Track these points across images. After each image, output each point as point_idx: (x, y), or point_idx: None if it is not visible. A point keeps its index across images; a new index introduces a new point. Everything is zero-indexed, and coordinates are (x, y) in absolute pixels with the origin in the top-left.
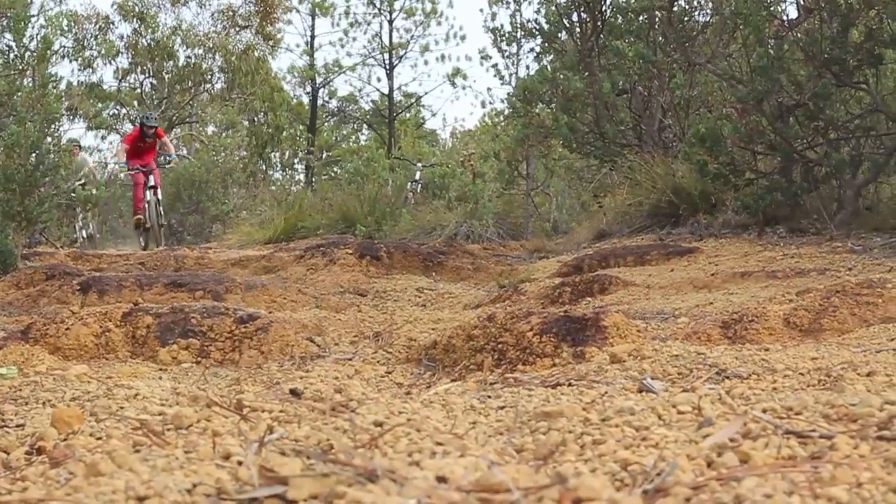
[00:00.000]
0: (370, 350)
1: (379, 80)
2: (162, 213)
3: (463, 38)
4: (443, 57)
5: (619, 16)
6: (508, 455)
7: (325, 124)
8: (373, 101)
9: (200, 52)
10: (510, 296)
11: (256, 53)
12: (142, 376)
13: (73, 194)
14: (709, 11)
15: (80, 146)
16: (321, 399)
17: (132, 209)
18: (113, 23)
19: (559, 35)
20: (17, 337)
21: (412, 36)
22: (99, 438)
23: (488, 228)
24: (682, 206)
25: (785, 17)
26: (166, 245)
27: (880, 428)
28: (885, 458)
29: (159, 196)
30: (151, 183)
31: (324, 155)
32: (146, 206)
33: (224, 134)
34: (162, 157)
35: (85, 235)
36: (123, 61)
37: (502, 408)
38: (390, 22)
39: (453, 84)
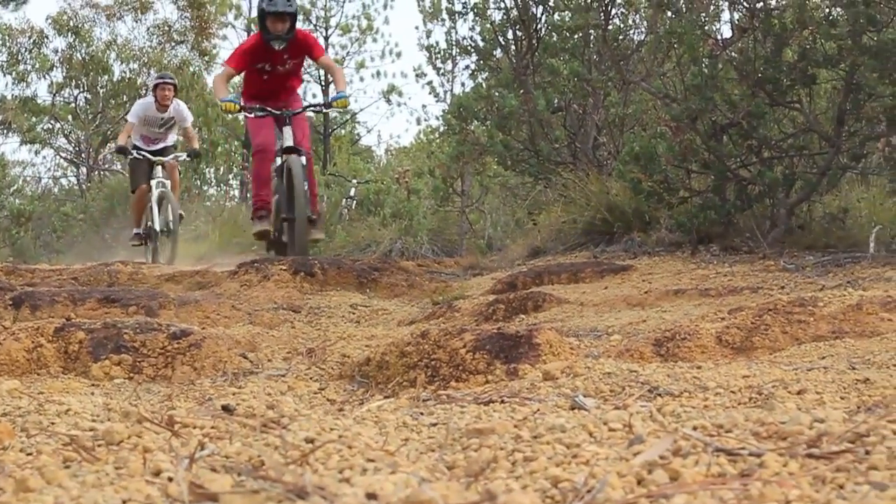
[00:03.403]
0: (303, 366)
1: (314, 95)
2: (306, 195)
3: (399, 55)
4: (378, 73)
5: (554, 34)
6: (440, 472)
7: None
8: (308, 117)
9: (135, 66)
10: (444, 313)
11: (192, 69)
12: (74, 392)
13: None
14: (643, 30)
15: (175, 87)
16: (253, 415)
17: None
18: (47, 37)
19: (494, 53)
20: None
21: (348, 52)
22: (29, 454)
23: (423, 245)
24: (616, 223)
25: (719, 37)
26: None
27: (809, 445)
28: (813, 476)
29: (302, 168)
30: (289, 141)
31: None
32: (275, 193)
33: None
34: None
35: (160, 227)
36: (58, 75)
37: (434, 424)
38: (326, 38)
39: (388, 101)
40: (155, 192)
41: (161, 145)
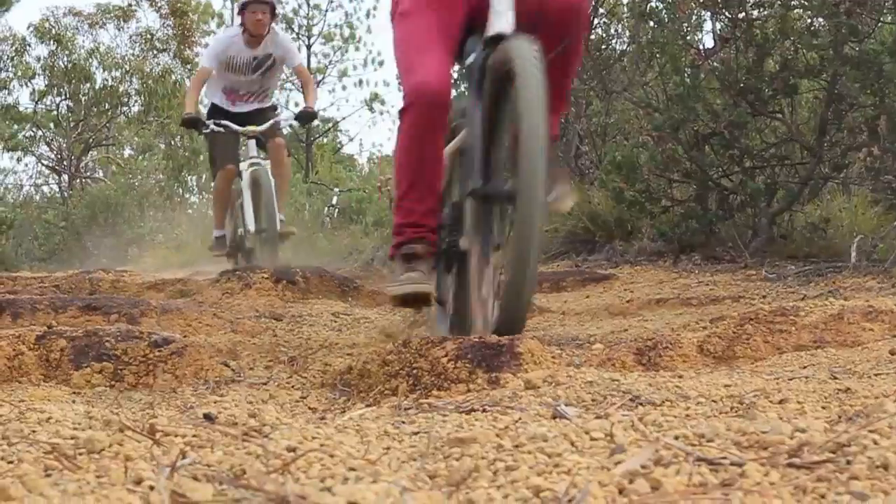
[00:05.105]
0: (285, 375)
1: (297, 104)
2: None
3: (381, 63)
4: (361, 82)
5: None
6: (421, 481)
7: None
8: (290, 126)
9: (118, 74)
10: (426, 321)
11: (174, 76)
12: (55, 400)
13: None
14: (626, 40)
15: (273, 10)
16: (235, 424)
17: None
18: (29, 44)
19: None
20: None
21: (330, 61)
22: (10, 462)
23: None
24: (598, 232)
25: (701, 47)
26: None
27: (791, 455)
28: (794, 486)
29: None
30: (501, 25)
31: None
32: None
33: (141, 157)
34: None
35: (255, 229)
36: (40, 83)
37: (416, 433)
38: (308, 47)
39: (371, 109)
40: (246, 179)
41: (255, 105)
